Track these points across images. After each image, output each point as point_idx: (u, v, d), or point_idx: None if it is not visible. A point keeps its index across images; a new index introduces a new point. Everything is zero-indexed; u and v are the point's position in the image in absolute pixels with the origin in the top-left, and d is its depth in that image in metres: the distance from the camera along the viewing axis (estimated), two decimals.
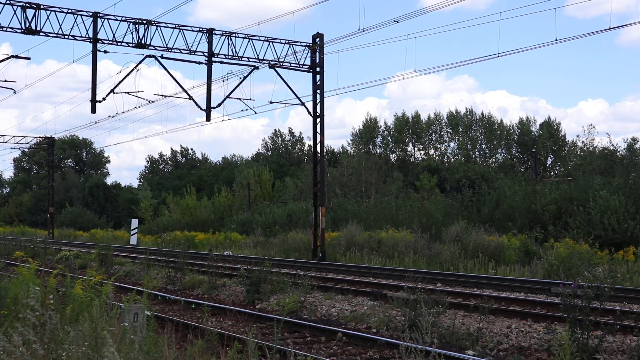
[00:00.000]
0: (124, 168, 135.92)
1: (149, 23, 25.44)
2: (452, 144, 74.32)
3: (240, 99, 27.89)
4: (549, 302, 13.61)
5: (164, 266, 20.76)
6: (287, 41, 27.82)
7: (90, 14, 24.62)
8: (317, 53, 28.01)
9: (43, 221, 66.24)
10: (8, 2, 23.31)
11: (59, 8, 24.16)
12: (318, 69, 27.96)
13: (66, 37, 24.46)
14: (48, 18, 23.93)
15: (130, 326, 6.68)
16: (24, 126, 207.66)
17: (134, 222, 44.20)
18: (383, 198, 40.79)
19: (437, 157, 72.58)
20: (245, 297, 15.81)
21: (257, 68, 27.54)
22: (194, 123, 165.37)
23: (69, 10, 24.42)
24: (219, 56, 26.63)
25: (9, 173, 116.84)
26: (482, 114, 73.79)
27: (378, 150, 73.13)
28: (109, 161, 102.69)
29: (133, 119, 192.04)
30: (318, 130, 27.89)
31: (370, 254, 26.13)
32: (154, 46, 25.55)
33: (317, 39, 27.97)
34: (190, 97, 27.16)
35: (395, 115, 75.68)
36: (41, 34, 23.93)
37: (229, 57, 26.82)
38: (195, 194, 58.40)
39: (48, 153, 55.26)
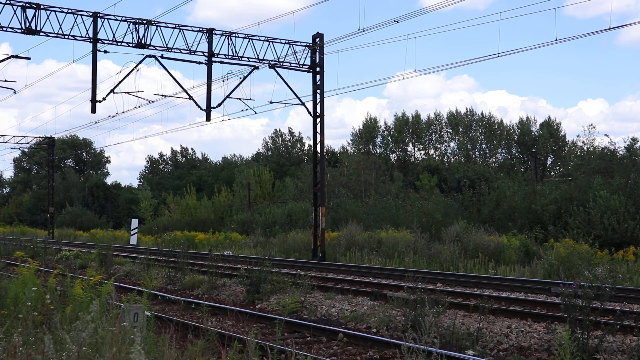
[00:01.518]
0: (124, 168, 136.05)
1: (149, 23, 25.44)
2: (452, 144, 74.36)
3: (240, 99, 27.91)
4: (549, 302, 13.61)
5: (164, 266, 20.76)
6: (287, 41, 27.83)
7: (90, 14, 24.62)
8: (317, 53, 28.01)
9: (43, 221, 66.24)
10: (8, 2, 23.30)
11: (59, 8, 24.17)
12: (318, 69, 27.96)
13: (66, 37, 24.45)
14: (48, 18, 23.93)
15: (130, 326, 6.68)
16: (23, 126, 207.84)
17: (134, 222, 44.20)
18: (383, 198, 40.77)
19: (437, 157, 72.54)
20: (246, 297, 15.81)
21: (257, 68, 27.54)
22: (194, 123, 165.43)
23: (69, 10, 24.42)
24: (219, 56, 26.63)
25: (9, 173, 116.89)
26: (482, 114, 73.84)
27: (378, 150, 73.13)
28: (109, 161, 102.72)
29: (133, 119, 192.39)
30: (318, 130, 27.90)
31: (370, 254, 26.13)
32: (154, 46, 25.55)
33: (317, 39, 27.97)
34: (190, 97, 27.17)
35: (395, 115, 75.73)
36: (41, 34, 23.92)
37: (229, 57, 26.82)
38: (195, 194, 58.40)
39: (48, 153, 55.25)
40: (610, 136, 55.49)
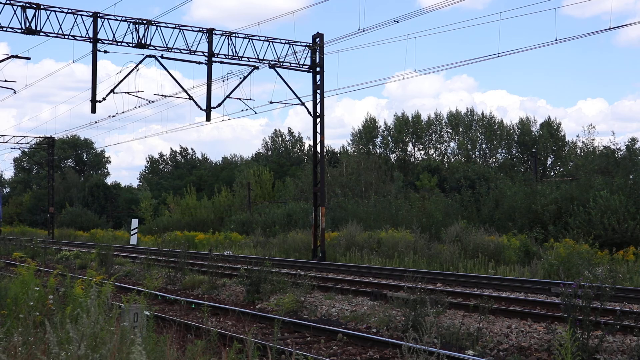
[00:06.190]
0: (124, 168, 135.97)
1: (149, 23, 25.44)
2: (452, 144, 74.35)
3: (240, 99, 27.92)
4: (549, 302, 13.61)
5: (164, 266, 20.77)
6: (287, 41, 27.83)
7: (90, 14, 24.61)
8: (317, 53, 28.01)
9: (43, 221, 66.22)
10: (8, 2, 23.30)
11: (59, 8, 24.16)
12: (318, 69, 27.96)
13: (66, 37, 24.45)
14: (48, 18, 23.92)
15: (130, 326, 6.68)
16: (22, 126, 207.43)
17: (134, 222, 44.21)
18: (383, 198, 40.76)
19: (437, 157, 72.54)
20: (246, 297, 15.82)
21: (257, 68, 27.55)
22: (194, 123, 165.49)
23: (69, 10, 24.42)
24: (219, 56, 26.63)
25: (9, 173, 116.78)
26: (482, 114, 73.83)
27: (378, 150, 73.12)
28: (110, 161, 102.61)
29: (133, 119, 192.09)
30: (318, 130, 27.90)
31: (370, 254, 26.12)
32: (154, 46, 25.55)
33: (317, 39, 27.97)
34: (190, 97, 27.17)
35: (395, 115, 75.74)
36: (41, 34, 23.92)
37: (229, 57, 26.82)
38: (195, 194, 58.41)
39: (48, 153, 55.25)
40: (614, 134, 55.16)
